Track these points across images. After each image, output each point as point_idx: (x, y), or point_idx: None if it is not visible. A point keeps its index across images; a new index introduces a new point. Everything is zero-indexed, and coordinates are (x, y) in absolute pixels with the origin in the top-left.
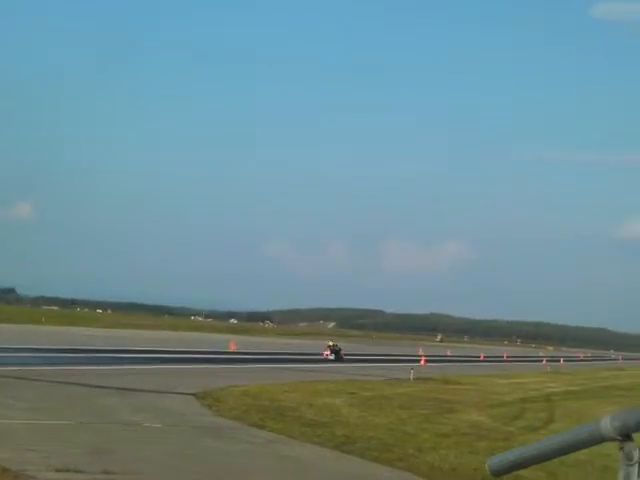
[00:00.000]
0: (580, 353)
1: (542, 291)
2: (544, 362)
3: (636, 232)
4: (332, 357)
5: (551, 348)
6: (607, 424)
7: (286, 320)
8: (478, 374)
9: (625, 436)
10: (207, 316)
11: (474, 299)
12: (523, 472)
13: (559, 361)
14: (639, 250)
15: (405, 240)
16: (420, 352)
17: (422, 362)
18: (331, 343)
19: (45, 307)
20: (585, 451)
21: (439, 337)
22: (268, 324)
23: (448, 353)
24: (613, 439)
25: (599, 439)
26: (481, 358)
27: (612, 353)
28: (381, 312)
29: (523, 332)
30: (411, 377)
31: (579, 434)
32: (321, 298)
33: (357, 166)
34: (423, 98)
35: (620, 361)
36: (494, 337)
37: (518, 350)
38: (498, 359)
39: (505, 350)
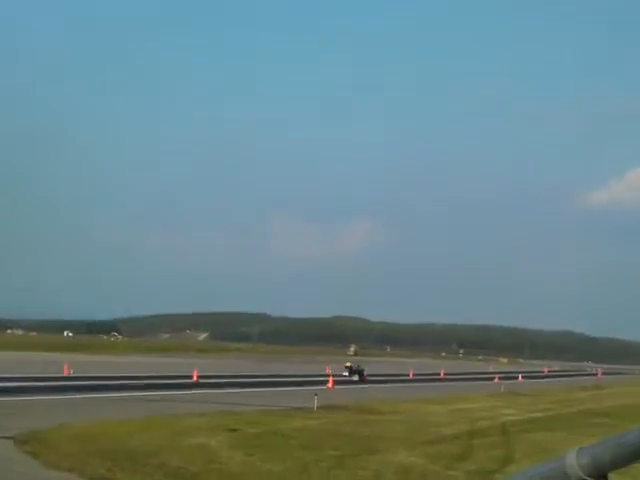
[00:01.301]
0: (545, 367)
1: (490, 286)
2: (496, 380)
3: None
4: (356, 378)
5: (505, 360)
6: (573, 461)
7: (142, 331)
8: (406, 398)
9: (598, 477)
10: (29, 328)
11: (398, 297)
12: None
13: (517, 378)
14: (605, 226)
15: (297, 220)
16: (327, 371)
17: (330, 384)
18: (349, 364)
19: None
20: None
21: (352, 349)
22: (116, 337)
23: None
24: None
25: None
26: (410, 376)
27: (589, 365)
28: (266, 316)
29: (466, 339)
30: (315, 405)
31: (537, 475)
32: (187, 300)
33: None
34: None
35: (599, 376)
36: (426, 346)
37: (460, 364)
38: (433, 377)
39: (442, 364)
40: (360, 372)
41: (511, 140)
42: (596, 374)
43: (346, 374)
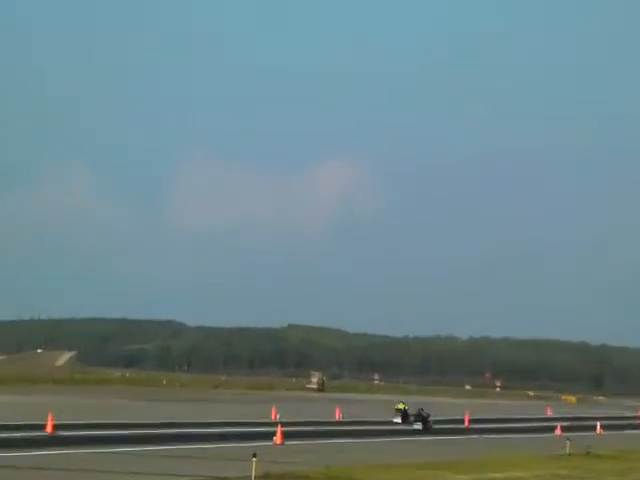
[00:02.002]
0: None
1: (541, 282)
2: (558, 431)
3: None
4: (419, 427)
5: (573, 398)
6: None
7: None
8: (406, 462)
9: None
10: None
11: (393, 297)
12: None
13: (594, 428)
14: None
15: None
16: (275, 415)
17: (277, 437)
18: (402, 405)
19: None
20: None
21: (315, 379)
22: None
23: (337, 414)
24: None
25: None
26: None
27: None
28: (179, 326)
29: (505, 363)
30: (253, 475)
31: None
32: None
33: None
34: None
35: None
36: (442, 375)
37: (496, 404)
38: (452, 427)
39: (467, 405)
40: (425, 418)
41: None
42: None
43: (398, 420)
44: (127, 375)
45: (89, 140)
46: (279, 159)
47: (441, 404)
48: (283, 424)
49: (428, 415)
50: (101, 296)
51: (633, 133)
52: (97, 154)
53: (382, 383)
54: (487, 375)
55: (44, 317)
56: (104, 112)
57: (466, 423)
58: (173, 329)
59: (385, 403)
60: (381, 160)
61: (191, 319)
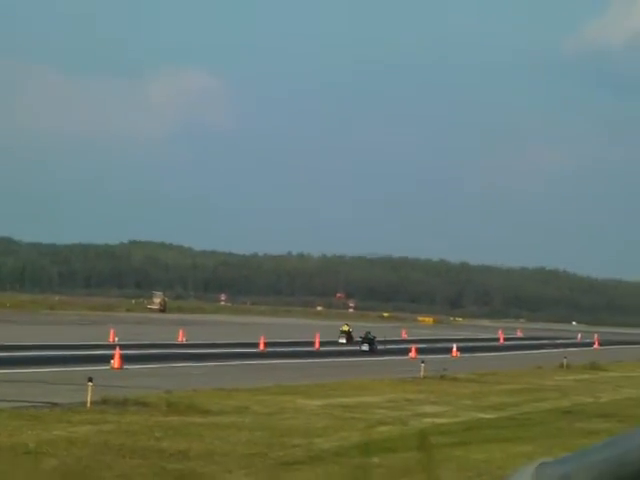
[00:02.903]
0: (500, 330)
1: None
2: (413, 354)
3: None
4: (366, 348)
5: (429, 320)
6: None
7: None
8: (253, 386)
9: None
10: None
11: (246, 209)
12: None
13: (450, 350)
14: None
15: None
16: (112, 337)
17: (116, 361)
18: (346, 328)
19: None
20: None
21: (158, 299)
22: None
23: (180, 336)
24: None
25: None
26: (260, 347)
27: (576, 328)
28: (10, 243)
29: (361, 283)
30: (88, 400)
31: None
32: None
33: None
34: None
35: (595, 347)
36: (293, 295)
37: (350, 326)
38: (301, 350)
39: (319, 326)
40: (371, 340)
41: None
42: (590, 344)
43: (343, 341)
44: None
45: None
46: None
47: (293, 325)
48: (122, 347)
49: (374, 337)
50: None
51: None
52: None
53: (229, 304)
54: (339, 295)
55: None
56: None
57: (316, 346)
58: (4, 246)
59: (230, 325)
60: (244, 76)
61: (24, 235)
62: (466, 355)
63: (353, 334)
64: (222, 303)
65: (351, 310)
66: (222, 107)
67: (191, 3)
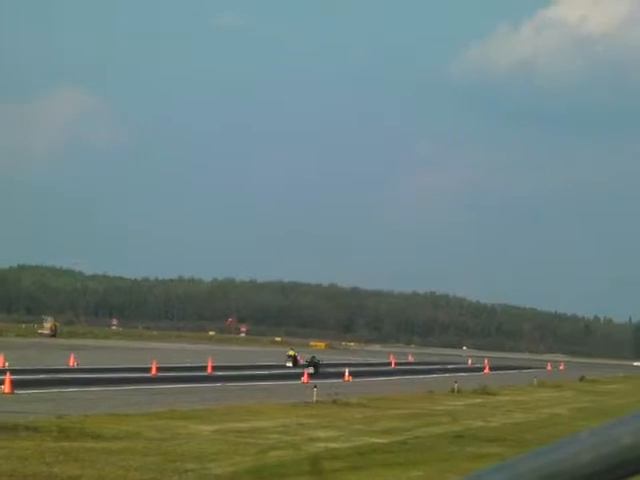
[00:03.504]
0: (391, 355)
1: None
2: (305, 378)
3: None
4: (311, 371)
5: (321, 345)
6: None
7: None
8: (145, 412)
9: None
10: None
11: (136, 234)
12: None
13: (342, 375)
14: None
15: None
16: (2, 362)
17: (6, 386)
18: (292, 352)
19: None
20: None
21: (48, 323)
22: None
23: (71, 361)
24: None
25: None
26: (153, 372)
27: (466, 353)
28: None
29: (260, 309)
30: None
31: None
32: None
33: None
34: None
35: (486, 372)
36: (183, 321)
37: (242, 352)
38: (193, 375)
39: (211, 351)
40: (316, 364)
41: None
42: (481, 369)
43: (289, 365)
44: None
45: None
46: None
47: (185, 350)
48: (12, 371)
49: (319, 361)
50: None
51: None
52: None
53: (120, 329)
54: (231, 320)
55: None
56: None
57: (209, 370)
58: None
59: (121, 350)
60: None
61: None
62: (358, 380)
63: (298, 358)
64: (114, 328)
65: (243, 335)
66: (108, 124)
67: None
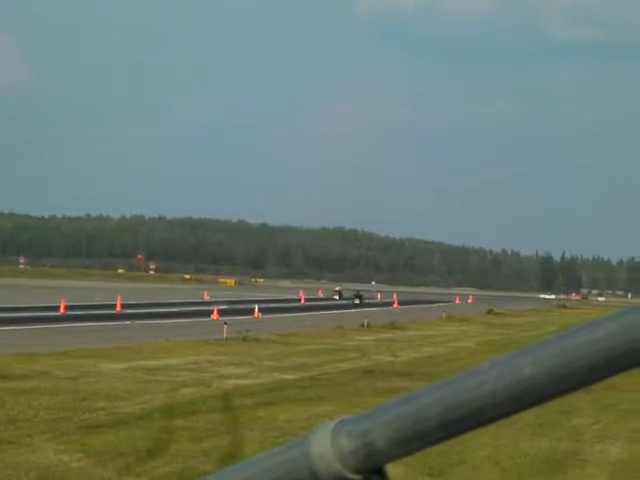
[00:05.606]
0: (301, 290)
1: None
2: (215, 315)
3: None
4: (358, 302)
5: (232, 282)
6: (325, 445)
7: None
8: (52, 351)
9: (368, 473)
10: None
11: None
12: None
13: (252, 312)
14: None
15: None
16: None
17: None
18: (338, 288)
19: None
20: None
21: None
22: None
23: None
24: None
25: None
26: (61, 311)
27: (375, 287)
28: None
29: (165, 244)
30: None
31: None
32: None
33: None
34: None
35: (395, 307)
36: (91, 258)
37: (152, 289)
38: (100, 313)
39: (120, 290)
40: (360, 297)
41: None
42: (390, 303)
43: (336, 297)
44: None
45: None
46: None
47: (93, 288)
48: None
49: (362, 294)
50: None
51: None
52: None
53: (28, 267)
54: (140, 256)
55: None
56: None
57: (118, 308)
58: None
59: (29, 289)
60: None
61: None
62: (268, 316)
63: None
64: (21, 266)
65: (152, 272)
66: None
67: None
